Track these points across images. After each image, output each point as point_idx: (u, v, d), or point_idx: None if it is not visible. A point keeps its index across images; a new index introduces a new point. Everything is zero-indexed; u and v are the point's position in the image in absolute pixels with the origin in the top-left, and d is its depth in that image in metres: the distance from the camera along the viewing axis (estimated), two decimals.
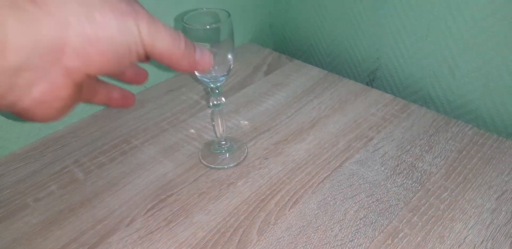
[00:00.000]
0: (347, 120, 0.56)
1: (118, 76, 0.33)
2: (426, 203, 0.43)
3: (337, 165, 0.48)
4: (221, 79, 0.41)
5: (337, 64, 0.75)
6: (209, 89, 0.43)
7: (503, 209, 0.42)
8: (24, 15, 0.20)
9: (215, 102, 0.45)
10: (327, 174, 0.47)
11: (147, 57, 0.26)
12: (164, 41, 0.25)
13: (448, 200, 0.44)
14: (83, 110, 0.57)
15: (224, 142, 0.50)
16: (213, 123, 0.55)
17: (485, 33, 0.52)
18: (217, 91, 0.43)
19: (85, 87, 0.26)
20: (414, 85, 0.64)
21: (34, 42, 0.20)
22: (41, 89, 0.22)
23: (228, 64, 0.40)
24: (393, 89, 0.68)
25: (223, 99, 0.45)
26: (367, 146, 0.51)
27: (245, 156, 0.50)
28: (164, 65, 0.27)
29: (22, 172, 0.48)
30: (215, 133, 0.53)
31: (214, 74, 0.40)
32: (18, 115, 0.24)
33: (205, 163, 0.49)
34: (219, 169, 0.48)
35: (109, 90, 0.31)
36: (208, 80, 0.41)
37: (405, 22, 0.59)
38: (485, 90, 0.56)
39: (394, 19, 0.60)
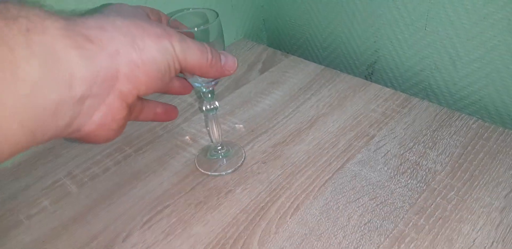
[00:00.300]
0: (347, 118, 0.54)
1: (167, 91, 0.38)
2: (432, 204, 0.42)
3: (338, 166, 0.47)
4: (212, 83, 0.39)
5: (334, 58, 0.72)
6: (201, 93, 0.41)
7: None
8: (85, 52, 0.23)
9: (209, 107, 0.43)
10: (328, 177, 0.45)
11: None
12: (194, 55, 0.29)
13: (455, 199, 0.42)
14: None
15: (220, 147, 0.49)
16: (208, 128, 0.53)
17: (487, 20, 0.50)
18: (209, 95, 0.41)
19: (133, 107, 0.29)
20: (415, 77, 0.62)
21: (93, 73, 0.23)
22: (101, 114, 0.25)
23: None
24: (393, 82, 0.66)
25: (216, 103, 0.43)
26: (368, 145, 0.49)
27: (243, 161, 0.48)
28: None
29: (13, 187, 0.47)
30: (210, 138, 0.50)
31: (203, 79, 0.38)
32: (80, 140, 0.27)
33: (201, 170, 0.47)
34: (216, 176, 0.47)
35: (153, 106, 0.35)
36: (199, 85, 0.39)
37: (403, 12, 0.57)
38: (489, 81, 0.54)
39: (391, 9, 0.58)
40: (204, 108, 0.43)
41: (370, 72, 0.68)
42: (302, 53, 0.78)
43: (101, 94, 0.25)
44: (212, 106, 0.43)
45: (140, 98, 0.29)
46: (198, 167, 0.47)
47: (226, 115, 0.56)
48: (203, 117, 0.56)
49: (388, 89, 0.58)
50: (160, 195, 0.44)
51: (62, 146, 0.52)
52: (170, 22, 0.36)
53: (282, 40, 0.80)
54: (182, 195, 0.44)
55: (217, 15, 0.36)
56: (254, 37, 0.80)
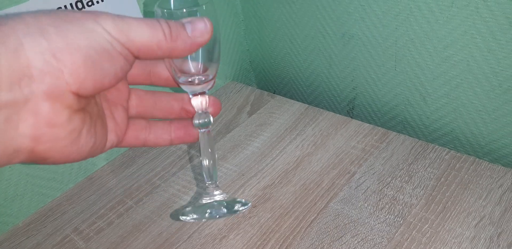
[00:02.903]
0: (330, 156, 0.58)
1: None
2: (408, 238, 0.45)
3: (323, 206, 0.51)
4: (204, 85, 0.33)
5: (318, 94, 0.77)
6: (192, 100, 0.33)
7: (481, 236, 0.44)
8: None
9: (201, 121, 0.34)
10: (313, 217, 0.49)
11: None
12: (140, 32, 0.23)
13: (429, 232, 0.46)
14: (78, 174, 0.60)
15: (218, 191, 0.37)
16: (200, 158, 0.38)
17: (448, 61, 0.55)
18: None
19: (87, 110, 0.24)
20: (391, 111, 0.67)
21: None
22: (30, 123, 0.21)
23: (214, 60, 0.33)
24: (372, 116, 0.71)
25: (210, 117, 0.34)
26: (350, 182, 0.53)
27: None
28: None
29: (26, 246, 0.51)
30: (203, 169, 0.37)
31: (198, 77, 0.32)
32: (40, 162, 0.22)
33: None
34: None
35: (162, 127, 0.30)
36: (190, 90, 0.33)
37: (374, 54, 0.62)
38: (457, 114, 0.58)
39: (363, 52, 0.63)
40: (195, 122, 0.34)
41: (351, 107, 0.73)
42: (288, 91, 0.83)
43: (14, 102, 0.20)
44: (204, 121, 0.34)
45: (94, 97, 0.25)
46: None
47: (219, 161, 0.60)
48: (198, 165, 0.60)
49: (367, 124, 0.63)
50: (160, 245, 0.48)
51: (68, 201, 0.57)
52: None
53: (269, 79, 0.85)
54: (181, 244, 0.48)
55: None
56: (243, 78, 0.86)
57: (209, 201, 0.37)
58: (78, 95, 0.22)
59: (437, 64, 0.56)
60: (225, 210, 0.37)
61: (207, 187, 0.37)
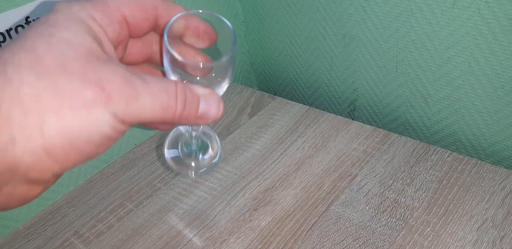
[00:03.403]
0: (331, 158, 0.58)
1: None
2: (410, 241, 0.45)
3: (324, 209, 0.50)
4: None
5: (319, 96, 0.77)
6: None
7: (484, 239, 0.44)
8: None
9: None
10: (314, 220, 0.49)
11: None
12: (151, 113, 0.21)
13: (431, 235, 0.45)
14: (78, 176, 0.60)
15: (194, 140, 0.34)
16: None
17: (449, 63, 0.54)
18: None
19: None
20: (393, 113, 0.67)
21: None
22: (4, 194, 0.20)
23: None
24: (374, 117, 0.70)
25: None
26: (351, 185, 0.53)
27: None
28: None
29: None
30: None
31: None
32: None
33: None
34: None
35: None
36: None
37: (374, 56, 0.62)
38: (459, 116, 0.58)
39: (364, 54, 0.63)
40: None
41: (353, 109, 0.73)
42: (289, 92, 0.83)
43: None
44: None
45: None
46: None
47: (219, 164, 0.60)
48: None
49: (369, 126, 0.62)
50: (160, 248, 0.48)
51: (69, 205, 0.56)
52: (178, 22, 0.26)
53: (270, 81, 0.85)
54: (181, 248, 0.48)
55: (231, 28, 0.27)
56: (244, 79, 0.85)
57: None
58: (54, 176, 0.21)
59: (438, 65, 0.55)
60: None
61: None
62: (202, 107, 0.23)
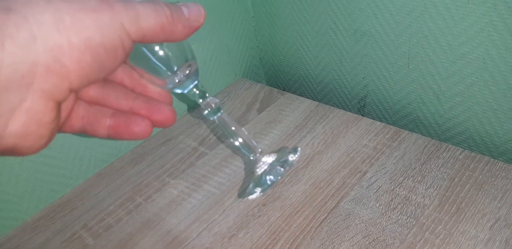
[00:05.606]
0: (340, 154, 0.57)
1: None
2: (421, 239, 0.45)
3: (333, 205, 0.50)
4: (188, 82, 0.31)
5: (328, 91, 0.76)
6: (191, 97, 0.33)
7: (497, 238, 0.43)
8: None
9: (209, 109, 0.33)
10: (324, 217, 0.49)
11: None
12: (148, 17, 0.22)
13: (443, 233, 0.45)
14: (88, 170, 0.60)
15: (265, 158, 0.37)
16: (232, 140, 0.36)
17: (463, 59, 0.53)
18: (197, 92, 0.32)
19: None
20: (404, 110, 0.66)
21: None
22: (21, 121, 0.20)
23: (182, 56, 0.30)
24: (384, 114, 0.70)
25: (216, 101, 0.33)
26: (361, 182, 0.53)
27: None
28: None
29: (35, 242, 0.51)
30: (241, 147, 0.36)
31: (176, 77, 0.30)
32: (2, 154, 0.21)
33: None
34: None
35: (101, 115, 0.27)
36: (182, 89, 0.32)
37: (386, 51, 0.61)
38: (471, 113, 0.57)
39: (375, 49, 0.62)
40: (205, 112, 0.33)
41: (362, 105, 0.72)
42: (298, 88, 0.82)
43: (11, 100, 0.19)
44: (212, 107, 0.32)
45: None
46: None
47: (228, 158, 0.60)
48: (207, 162, 0.60)
49: (379, 123, 0.62)
50: (169, 243, 0.48)
51: (78, 198, 0.57)
52: None
53: (279, 76, 0.84)
54: (189, 242, 0.48)
55: None
56: (253, 75, 0.85)
57: (263, 169, 0.36)
58: (71, 91, 0.21)
59: (451, 61, 0.55)
60: (281, 169, 0.36)
61: (254, 159, 0.36)
62: (185, 9, 0.25)
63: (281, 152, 0.38)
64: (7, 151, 0.21)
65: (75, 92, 0.23)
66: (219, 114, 0.33)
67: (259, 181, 0.35)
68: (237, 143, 0.35)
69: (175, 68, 0.29)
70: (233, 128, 0.34)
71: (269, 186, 0.35)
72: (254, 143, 0.36)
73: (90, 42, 0.20)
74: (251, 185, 0.36)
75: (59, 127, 0.24)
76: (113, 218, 0.53)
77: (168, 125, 0.29)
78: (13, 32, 0.18)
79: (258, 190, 0.35)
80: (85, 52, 0.20)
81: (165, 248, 0.48)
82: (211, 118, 0.33)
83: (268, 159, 0.37)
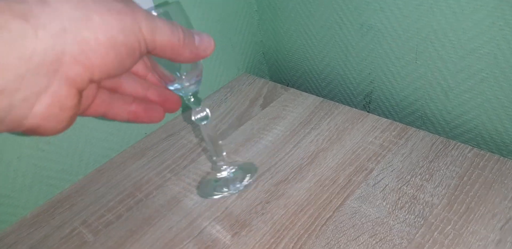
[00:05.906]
0: (346, 152, 0.56)
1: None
2: (430, 240, 0.43)
3: (339, 203, 0.49)
4: (191, 88, 0.36)
5: (333, 87, 0.75)
6: (186, 101, 0.38)
7: (508, 239, 0.42)
8: (9, 35, 0.19)
9: (198, 116, 0.39)
10: (329, 215, 0.47)
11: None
12: (164, 35, 0.25)
13: (452, 233, 0.44)
14: (87, 165, 0.59)
15: (225, 166, 0.49)
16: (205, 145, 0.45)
17: (473, 54, 0.52)
18: (192, 99, 0.38)
19: (86, 94, 0.26)
20: (411, 106, 0.64)
21: (20, 60, 0.20)
22: (45, 104, 0.22)
23: (196, 67, 0.36)
24: (390, 111, 0.68)
25: (207, 111, 0.39)
26: (367, 179, 0.51)
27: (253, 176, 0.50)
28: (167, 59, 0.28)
29: (34, 238, 0.50)
30: (211, 155, 0.44)
31: (183, 81, 0.35)
32: (25, 133, 0.23)
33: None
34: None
35: (123, 102, 0.31)
36: (181, 91, 0.37)
37: (393, 46, 0.60)
38: (481, 110, 0.56)
39: (382, 44, 0.61)
40: (193, 117, 0.39)
41: (368, 102, 0.71)
42: (302, 84, 0.81)
43: (39, 83, 0.21)
44: (201, 115, 0.38)
45: (94, 83, 0.25)
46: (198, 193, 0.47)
47: (230, 155, 0.58)
48: (209, 158, 0.58)
49: (385, 120, 0.60)
50: (170, 240, 0.47)
51: (77, 193, 0.55)
52: None
53: (282, 72, 0.83)
54: (191, 240, 0.47)
55: (179, 3, 0.33)
56: (256, 70, 0.84)
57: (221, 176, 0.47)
58: (92, 82, 0.24)
59: (461, 57, 0.53)
60: (238, 185, 0.46)
61: (216, 164, 0.45)
62: (197, 38, 0.29)
63: (241, 171, 0.48)
64: (29, 130, 0.23)
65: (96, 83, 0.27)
66: (205, 122, 0.39)
67: (212, 185, 0.46)
68: (209, 147, 0.43)
69: (185, 73, 0.34)
70: (209, 139, 0.42)
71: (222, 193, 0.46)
72: (223, 156, 0.46)
73: (115, 41, 0.23)
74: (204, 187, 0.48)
75: (84, 110, 0.28)
76: (113, 214, 0.51)
77: (175, 111, 0.35)
78: (46, 22, 0.20)
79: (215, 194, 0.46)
80: (109, 49, 0.23)
81: (166, 245, 0.47)
82: (198, 123, 0.39)
83: (225, 173, 0.48)
